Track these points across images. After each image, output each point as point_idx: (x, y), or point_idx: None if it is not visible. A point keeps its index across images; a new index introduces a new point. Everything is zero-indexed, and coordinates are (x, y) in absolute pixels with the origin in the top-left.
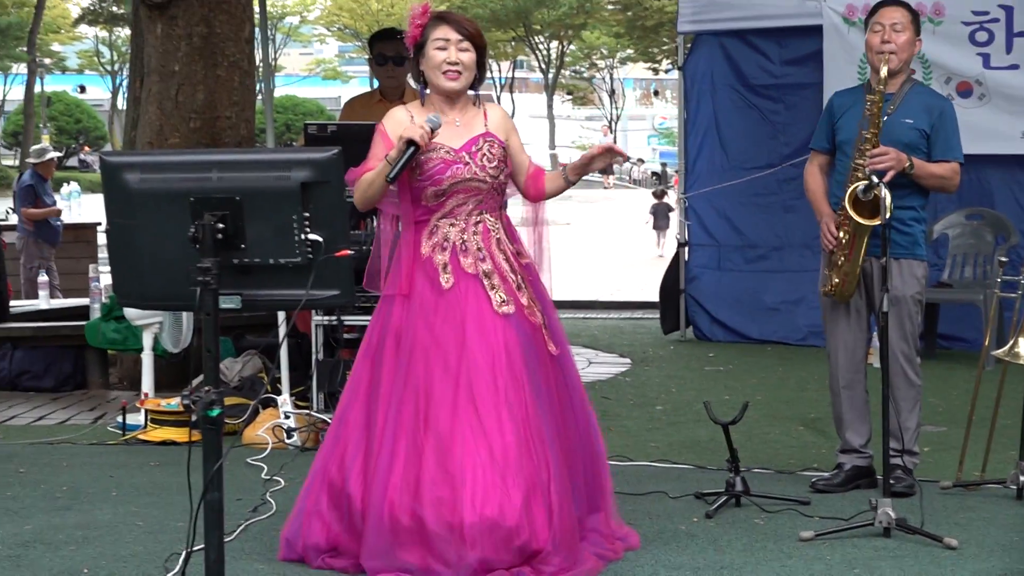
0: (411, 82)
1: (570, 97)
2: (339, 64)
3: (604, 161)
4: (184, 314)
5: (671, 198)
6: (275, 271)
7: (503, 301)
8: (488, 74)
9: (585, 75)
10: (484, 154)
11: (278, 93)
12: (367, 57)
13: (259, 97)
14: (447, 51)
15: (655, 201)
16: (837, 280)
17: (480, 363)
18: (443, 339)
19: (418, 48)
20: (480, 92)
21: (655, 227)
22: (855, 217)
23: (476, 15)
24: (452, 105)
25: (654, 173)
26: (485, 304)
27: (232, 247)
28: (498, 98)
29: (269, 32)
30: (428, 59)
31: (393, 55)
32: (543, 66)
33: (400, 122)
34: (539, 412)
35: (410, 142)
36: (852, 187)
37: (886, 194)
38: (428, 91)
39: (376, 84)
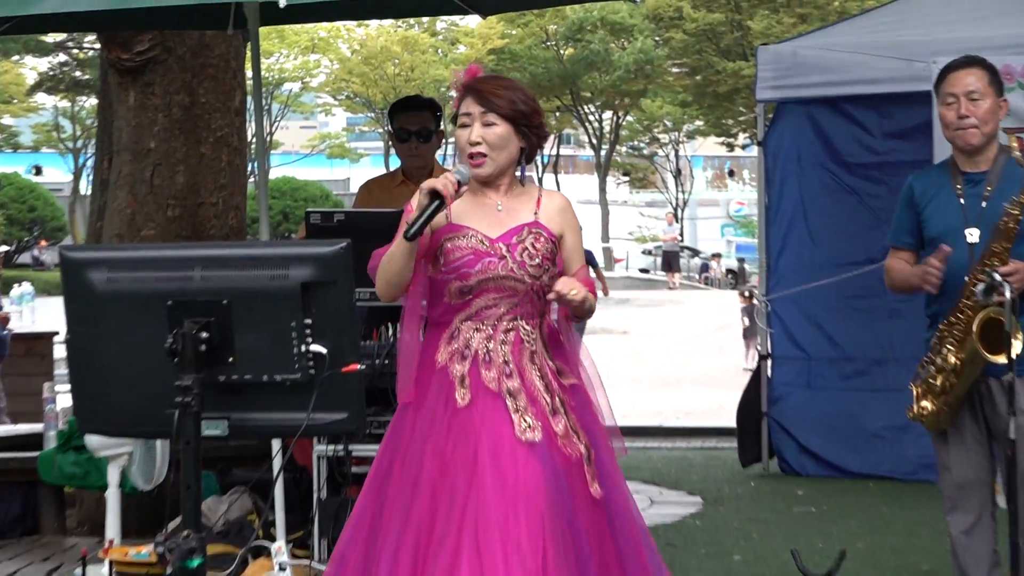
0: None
1: (627, 179)
2: (348, 140)
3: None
4: (158, 443)
5: None
6: (269, 390)
7: (528, 427)
8: None
9: (645, 152)
10: (526, 248)
11: (274, 174)
12: (383, 131)
13: (251, 179)
14: (469, 129)
15: (744, 303)
16: (930, 407)
17: (490, 501)
18: (452, 468)
19: (455, 122)
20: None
21: (745, 335)
22: (984, 353)
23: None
24: (494, 188)
25: (729, 271)
26: (505, 428)
27: (218, 361)
28: (540, 180)
29: (264, 101)
30: (456, 140)
31: (417, 129)
32: (594, 141)
33: None
34: (564, 565)
35: (433, 193)
36: (981, 314)
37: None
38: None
39: (397, 163)
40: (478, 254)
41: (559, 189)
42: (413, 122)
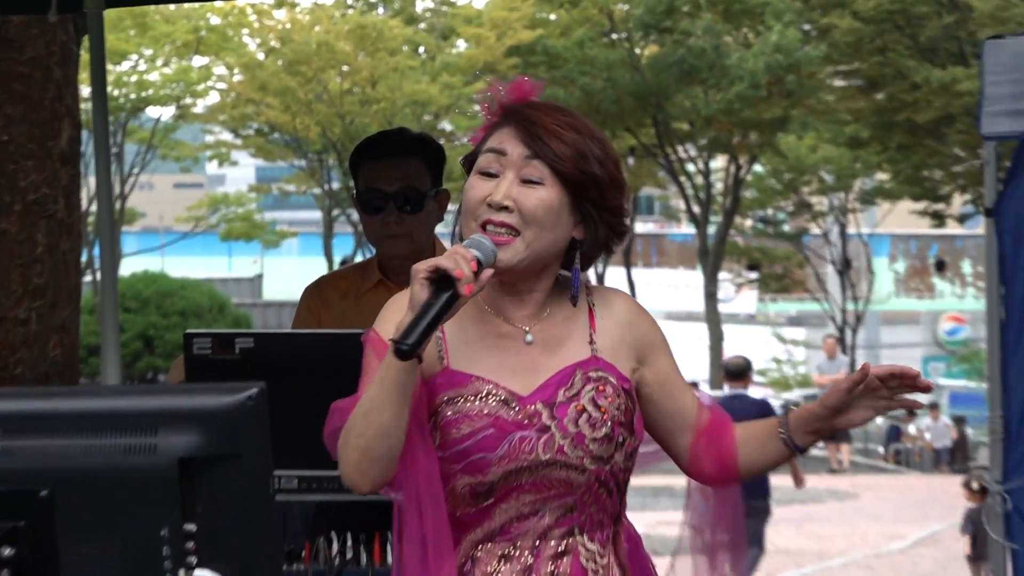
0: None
1: (754, 275)
2: (259, 207)
3: (874, 405)
4: None
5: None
6: None
7: None
8: None
9: (787, 228)
10: (584, 410)
11: (130, 267)
12: (323, 191)
13: (90, 278)
14: (495, 180)
15: (970, 499)
16: None
17: None
18: None
19: (470, 166)
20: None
21: (975, 557)
22: None
23: (556, 99)
24: (518, 300)
25: (953, 444)
26: None
27: None
28: (599, 276)
29: (113, 140)
30: (464, 196)
31: (398, 188)
32: (695, 209)
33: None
34: None
35: (438, 276)
36: None
37: None
38: None
39: (347, 248)
40: (501, 426)
41: (633, 292)
42: (391, 177)
